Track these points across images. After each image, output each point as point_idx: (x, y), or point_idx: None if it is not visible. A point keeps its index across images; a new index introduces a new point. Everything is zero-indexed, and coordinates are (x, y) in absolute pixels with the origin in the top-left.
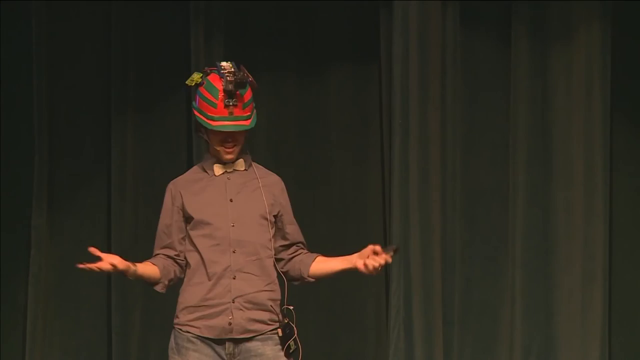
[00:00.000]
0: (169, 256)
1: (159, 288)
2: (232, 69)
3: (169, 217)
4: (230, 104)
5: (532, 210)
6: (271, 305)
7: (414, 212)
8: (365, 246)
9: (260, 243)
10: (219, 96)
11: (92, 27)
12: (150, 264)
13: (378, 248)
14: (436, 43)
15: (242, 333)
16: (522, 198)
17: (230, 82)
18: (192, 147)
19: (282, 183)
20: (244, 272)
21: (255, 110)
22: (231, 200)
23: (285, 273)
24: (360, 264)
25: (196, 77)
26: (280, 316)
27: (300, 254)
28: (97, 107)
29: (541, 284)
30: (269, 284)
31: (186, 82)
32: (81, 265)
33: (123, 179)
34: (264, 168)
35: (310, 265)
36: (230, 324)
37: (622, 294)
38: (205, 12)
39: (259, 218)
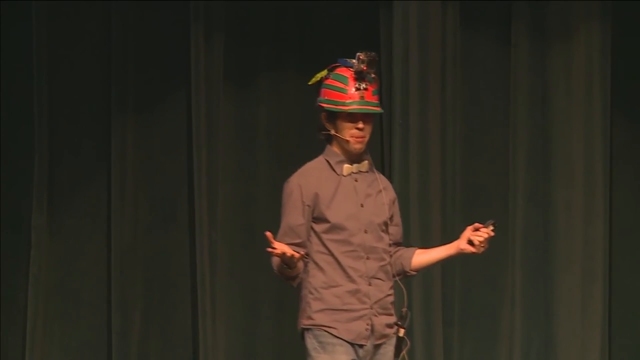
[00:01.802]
0: (298, 247)
1: (294, 283)
2: (363, 53)
3: (300, 215)
4: (361, 87)
5: (532, 210)
6: (392, 308)
7: (414, 211)
8: None
9: (384, 249)
10: (349, 82)
11: (92, 27)
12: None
13: (477, 225)
14: (436, 43)
15: (379, 339)
16: (522, 197)
17: (362, 60)
18: (192, 145)
19: (391, 185)
20: (376, 278)
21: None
22: (362, 205)
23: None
24: (464, 246)
25: (319, 74)
26: (396, 318)
27: (399, 250)
28: (97, 106)
29: (541, 283)
30: (390, 287)
31: (309, 83)
32: (268, 233)
33: (123, 178)
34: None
35: (411, 259)
36: (367, 329)
37: (622, 293)
38: (205, 12)
39: (382, 224)
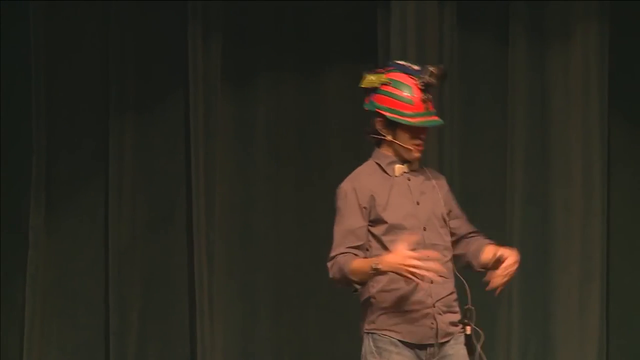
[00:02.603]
0: (359, 250)
1: (359, 289)
2: (429, 67)
3: (358, 218)
4: (427, 99)
5: (530, 210)
6: (456, 306)
7: None
8: None
9: (446, 245)
10: (414, 92)
11: (91, 27)
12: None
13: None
14: (433, 43)
15: (444, 337)
16: (520, 197)
17: (433, 74)
18: (190, 146)
19: (445, 178)
20: (439, 276)
21: None
22: (418, 203)
23: (457, 257)
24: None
25: (374, 77)
26: (462, 315)
27: (472, 237)
28: (95, 106)
29: (539, 283)
30: (453, 284)
31: (361, 85)
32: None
33: (121, 178)
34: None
35: (480, 255)
36: (432, 328)
37: (620, 293)
38: (203, 12)
39: (441, 220)
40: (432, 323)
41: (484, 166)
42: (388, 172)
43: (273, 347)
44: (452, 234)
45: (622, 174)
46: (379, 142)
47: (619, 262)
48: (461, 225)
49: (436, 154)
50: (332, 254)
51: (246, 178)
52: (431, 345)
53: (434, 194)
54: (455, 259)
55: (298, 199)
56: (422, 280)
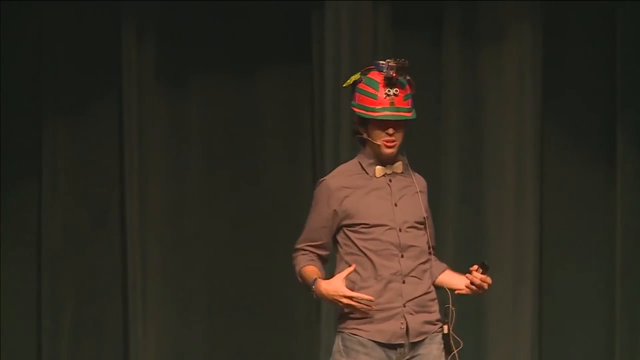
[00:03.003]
0: (319, 255)
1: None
2: (393, 59)
3: (323, 218)
4: (391, 93)
5: (463, 211)
6: (432, 306)
7: None
8: (294, 243)
9: (422, 248)
10: (379, 87)
11: (23, 27)
12: (316, 268)
13: (474, 267)
14: (367, 44)
15: (416, 336)
16: (453, 198)
17: (391, 67)
18: (124, 146)
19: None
20: (412, 276)
21: (414, 105)
22: (396, 205)
23: None
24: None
25: (354, 76)
26: (441, 315)
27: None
28: (27, 107)
29: None
30: (429, 285)
31: (343, 85)
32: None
33: (54, 179)
34: (410, 169)
35: (437, 276)
36: (402, 328)
37: (552, 294)
38: (137, 12)
39: (418, 223)
40: (402, 323)
41: (417, 167)
42: (369, 172)
43: (206, 349)
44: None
45: (555, 175)
46: (364, 142)
47: (551, 263)
48: (430, 236)
49: None
50: (296, 246)
51: (180, 179)
52: (401, 345)
53: (414, 198)
54: None
55: (232, 200)
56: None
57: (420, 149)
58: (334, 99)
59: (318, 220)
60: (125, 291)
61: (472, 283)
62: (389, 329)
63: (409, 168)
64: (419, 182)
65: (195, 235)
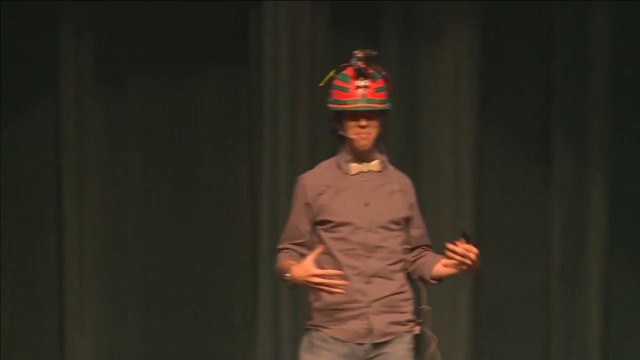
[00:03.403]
0: (298, 247)
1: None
2: (361, 50)
3: (301, 215)
4: (362, 85)
5: None
6: (404, 306)
7: (283, 213)
8: (231, 243)
9: (392, 249)
10: (350, 80)
11: None
12: (294, 262)
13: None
14: (306, 44)
15: (381, 337)
16: None
17: (359, 58)
18: (61, 146)
19: (412, 184)
20: (378, 277)
21: (389, 99)
22: (367, 205)
23: (409, 274)
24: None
25: (329, 74)
26: (414, 315)
27: (424, 256)
28: None
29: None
30: (401, 286)
31: (319, 85)
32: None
33: None
34: (395, 169)
35: (433, 267)
36: (366, 328)
37: (488, 294)
38: (75, 12)
39: (391, 223)
40: (366, 323)
41: None
42: (344, 169)
43: (142, 349)
44: (409, 242)
45: (491, 175)
46: (343, 140)
47: (488, 263)
48: (419, 236)
49: (308, 155)
50: (279, 247)
51: (117, 179)
52: (364, 344)
53: (390, 198)
54: (410, 271)
55: (169, 200)
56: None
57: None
58: (272, 99)
59: (296, 217)
60: (61, 291)
61: (455, 253)
62: (352, 328)
63: (389, 167)
64: (401, 181)
65: (132, 236)
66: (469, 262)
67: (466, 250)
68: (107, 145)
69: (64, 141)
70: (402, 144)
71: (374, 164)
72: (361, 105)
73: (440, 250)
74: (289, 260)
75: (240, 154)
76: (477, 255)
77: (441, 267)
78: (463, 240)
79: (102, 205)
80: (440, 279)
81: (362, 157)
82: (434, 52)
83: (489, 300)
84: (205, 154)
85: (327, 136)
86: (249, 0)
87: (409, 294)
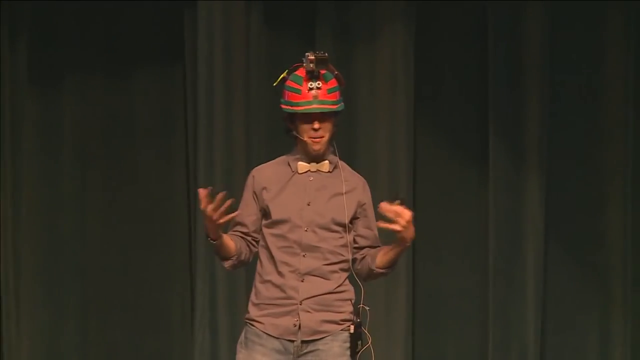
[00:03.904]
0: (244, 235)
1: (228, 264)
2: (312, 52)
3: (247, 207)
4: (314, 87)
5: None
6: (341, 306)
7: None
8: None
9: (331, 249)
10: (302, 82)
11: None
12: (230, 238)
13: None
14: (240, 43)
15: (311, 335)
16: None
17: (311, 60)
18: (2, 148)
19: (367, 185)
20: (313, 275)
21: (342, 99)
22: (309, 204)
23: (357, 273)
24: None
25: (282, 75)
26: (353, 315)
27: (367, 251)
28: None
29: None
30: (339, 286)
31: (273, 85)
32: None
33: None
34: (349, 169)
35: (376, 257)
36: (295, 325)
37: (425, 294)
38: (10, 12)
39: (334, 224)
40: (296, 320)
41: None
42: (292, 167)
43: (80, 349)
44: (355, 242)
45: (427, 174)
46: (296, 138)
47: (424, 262)
48: (368, 237)
49: (243, 155)
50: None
51: (53, 179)
52: (295, 341)
53: (334, 200)
54: (357, 270)
55: (105, 200)
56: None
57: (291, 147)
58: (206, 98)
59: (243, 208)
60: None
61: (388, 212)
62: (282, 324)
63: (341, 168)
64: (351, 183)
65: (69, 236)
66: (403, 222)
67: (399, 211)
68: (43, 145)
69: (7, 144)
70: (337, 143)
71: (323, 165)
72: (314, 107)
73: None
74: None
75: (176, 154)
76: (411, 221)
77: (383, 254)
78: (398, 203)
79: (37, 206)
80: (386, 267)
81: (313, 157)
82: (369, 52)
83: (426, 299)
84: (141, 154)
85: (264, 136)
86: (184, 0)
87: (347, 295)
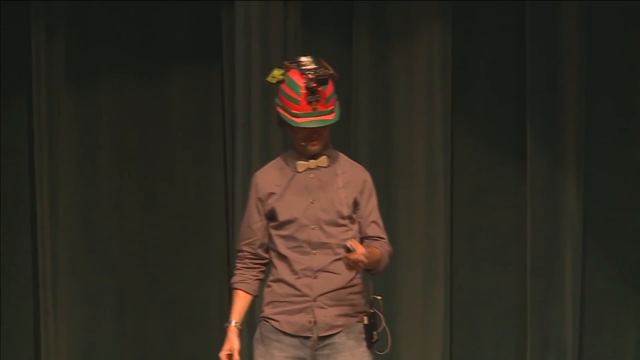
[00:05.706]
0: (253, 258)
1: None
2: (313, 65)
3: (254, 213)
4: (313, 100)
5: None
6: (355, 299)
7: None
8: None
9: (339, 244)
10: (301, 93)
11: None
12: (243, 298)
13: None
14: (278, 43)
15: (328, 330)
16: None
17: (312, 79)
18: (34, 146)
19: (368, 175)
20: (326, 271)
21: (338, 103)
22: (312, 202)
23: None
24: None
25: (277, 73)
26: (366, 306)
27: (369, 241)
28: None
29: (383, 283)
30: (351, 279)
31: (266, 79)
32: None
33: None
34: (349, 160)
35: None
36: (311, 322)
37: (463, 293)
38: (46, 13)
39: (339, 218)
40: (311, 316)
41: None
42: (291, 166)
43: (116, 348)
44: (360, 232)
45: (465, 174)
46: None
47: (461, 262)
48: (366, 226)
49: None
50: (237, 248)
51: (90, 179)
52: (311, 337)
53: (337, 193)
54: None
55: (142, 200)
56: None
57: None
58: (244, 99)
59: (249, 214)
60: (36, 291)
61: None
62: (298, 322)
63: (340, 159)
64: (349, 173)
65: (106, 235)
66: (353, 257)
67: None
68: (80, 144)
69: (36, 141)
70: (374, 142)
71: (322, 160)
72: (312, 120)
73: (415, 250)
74: (240, 292)
75: (213, 154)
76: (357, 263)
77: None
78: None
79: (75, 205)
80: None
81: (310, 155)
82: (406, 51)
83: (464, 300)
84: (179, 153)
85: None
86: (221, 0)
87: (359, 287)
